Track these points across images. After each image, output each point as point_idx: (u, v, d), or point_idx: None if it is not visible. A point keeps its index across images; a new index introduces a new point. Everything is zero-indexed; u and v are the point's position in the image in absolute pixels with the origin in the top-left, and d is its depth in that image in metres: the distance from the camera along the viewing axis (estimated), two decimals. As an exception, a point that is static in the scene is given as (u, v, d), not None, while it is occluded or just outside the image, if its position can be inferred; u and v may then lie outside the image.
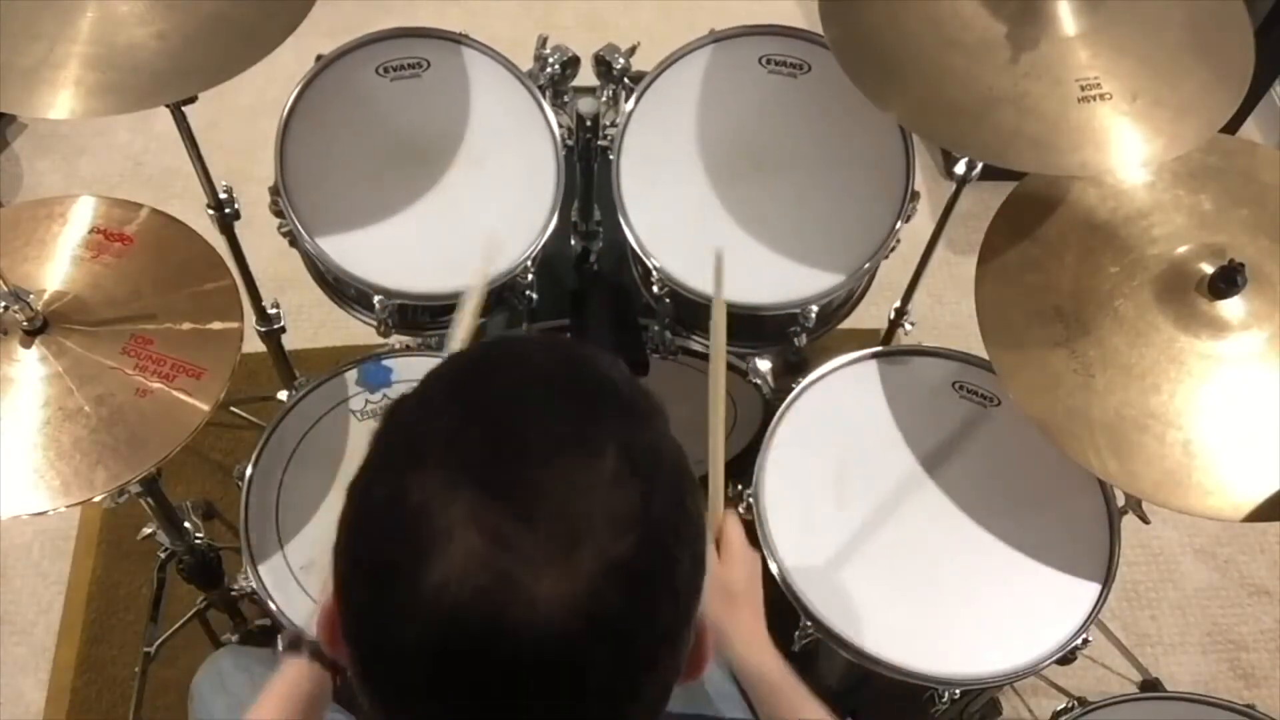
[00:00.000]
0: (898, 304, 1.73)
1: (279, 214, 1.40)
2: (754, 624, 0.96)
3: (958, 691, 1.24)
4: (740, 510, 1.32)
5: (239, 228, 1.56)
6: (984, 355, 1.27)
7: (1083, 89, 1.14)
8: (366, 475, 0.57)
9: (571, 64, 1.51)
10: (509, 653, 0.50)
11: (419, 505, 0.52)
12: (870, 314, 1.69)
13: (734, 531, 0.99)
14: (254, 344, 1.64)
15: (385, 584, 0.53)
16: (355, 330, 1.52)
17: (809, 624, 1.25)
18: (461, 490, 0.51)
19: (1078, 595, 1.27)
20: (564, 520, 0.51)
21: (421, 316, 1.48)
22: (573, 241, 1.59)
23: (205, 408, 1.13)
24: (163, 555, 1.68)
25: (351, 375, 1.41)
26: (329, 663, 0.93)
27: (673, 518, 0.55)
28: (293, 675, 0.92)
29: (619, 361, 0.62)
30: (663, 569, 0.54)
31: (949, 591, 1.28)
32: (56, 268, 1.21)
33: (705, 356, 1.57)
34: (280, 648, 1.05)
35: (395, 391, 1.40)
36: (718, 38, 1.47)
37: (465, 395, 0.57)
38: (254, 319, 1.72)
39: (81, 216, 1.26)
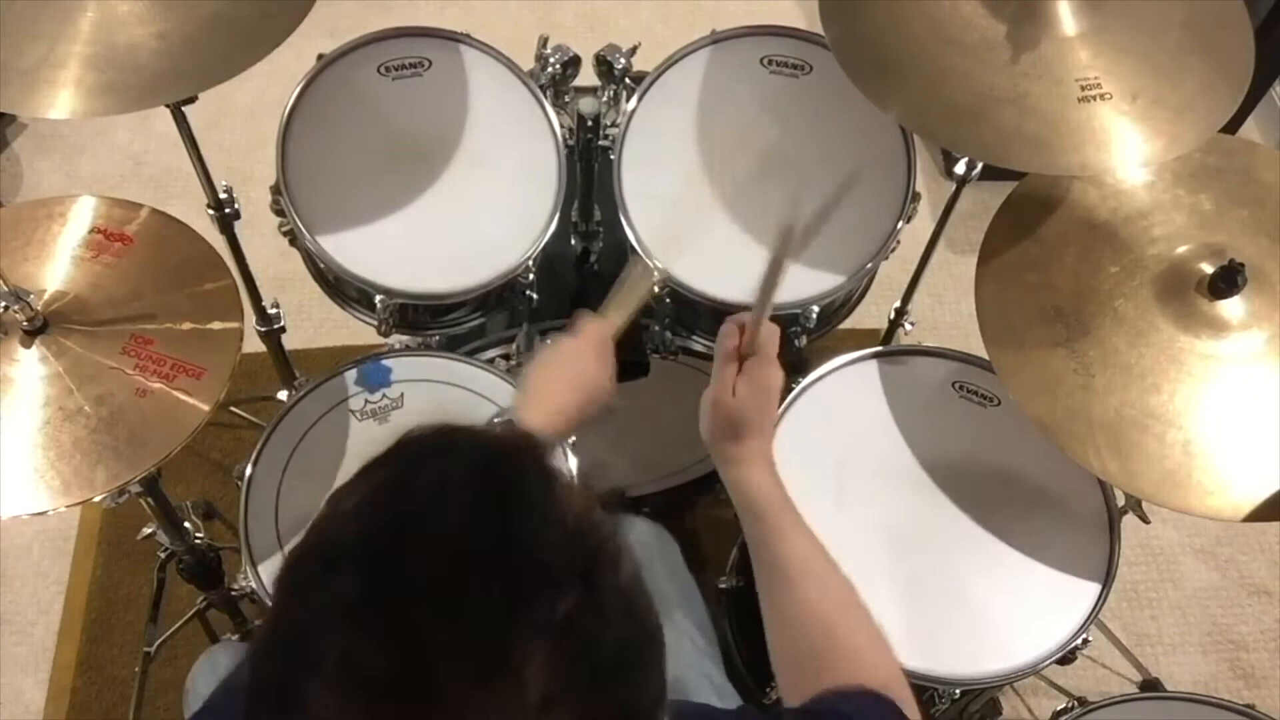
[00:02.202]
0: (898, 304, 1.73)
1: (280, 213, 1.40)
2: (757, 449, 0.92)
3: (958, 691, 1.24)
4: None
5: (239, 227, 1.56)
6: (984, 355, 1.27)
7: (1083, 89, 1.14)
8: (261, 668, 0.49)
9: (572, 64, 1.51)
10: None
11: None
12: (870, 314, 1.69)
13: (765, 349, 0.91)
14: (254, 344, 1.64)
15: None
16: (355, 330, 1.52)
17: (809, 624, 1.25)
18: None
19: (1078, 595, 1.27)
20: None
21: (422, 316, 1.48)
22: (573, 241, 1.59)
23: (205, 408, 1.13)
24: (163, 555, 1.68)
25: (351, 375, 1.40)
26: None
27: None
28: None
29: (559, 483, 0.52)
30: None
31: (949, 591, 1.27)
32: (56, 268, 1.21)
33: (704, 356, 1.57)
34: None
35: (395, 391, 1.40)
36: (718, 38, 1.47)
37: (364, 579, 0.48)
38: (254, 319, 1.72)
39: (81, 216, 1.26)
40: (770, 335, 0.93)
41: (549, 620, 0.47)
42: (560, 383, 1.01)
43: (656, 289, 1.34)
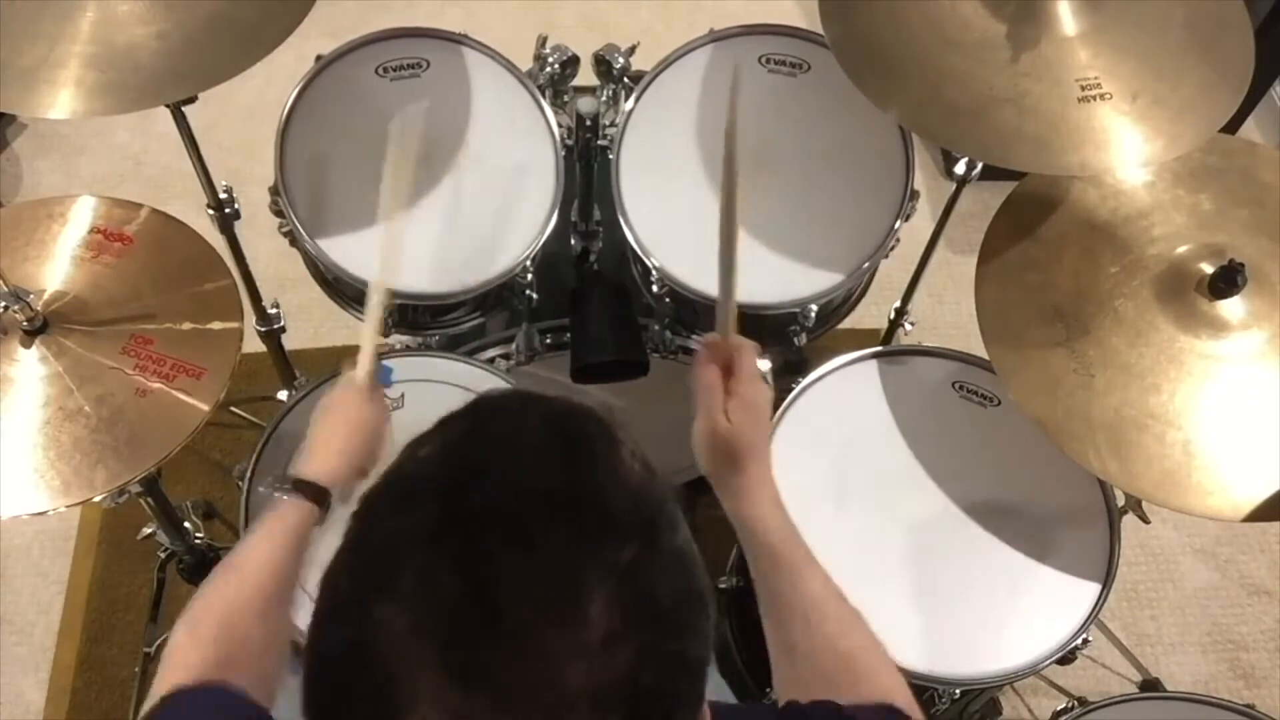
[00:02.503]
0: (898, 304, 1.73)
1: (279, 214, 1.40)
2: (758, 477, 0.88)
3: (958, 691, 1.24)
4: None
5: (239, 228, 1.56)
6: (984, 355, 1.27)
7: (1083, 89, 1.14)
8: (338, 581, 0.52)
9: (571, 64, 1.51)
10: None
11: (383, 661, 0.47)
12: (870, 314, 1.69)
13: (745, 377, 0.87)
14: (254, 344, 1.64)
15: None
16: (355, 330, 1.51)
17: (809, 624, 1.25)
18: (430, 655, 0.47)
19: (1078, 595, 1.27)
20: (544, 706, 0.46)
21: (421, 316, 1.48)
22: (573, 241, 1.58)
23: (205, 408, 1.13)
24: (163, 555, 1.68)
25: (351, 375, 1.40)
26: (313, 493, 0.92)
27: (669, 680, 0.50)
28: (280, 510, 0.90)
29: (625, 449, 0.54)
30: None
31: (949, 591, 1.27)
32: (56, 268, 1.21)
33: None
34: (264, 488, 1.03)
35: (395, 391, 1.40)
36: (717, 37, 1.47)
37: (443, 510, 0.50)
38: (254, 319, 1.72)
39: (81, 216, 1.26)
40: (745, 350, 0.89)
41: (614, 564, 0.49)
42: (336, 431, 0.99)
43: (385, 311, 1.31)
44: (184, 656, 0.79)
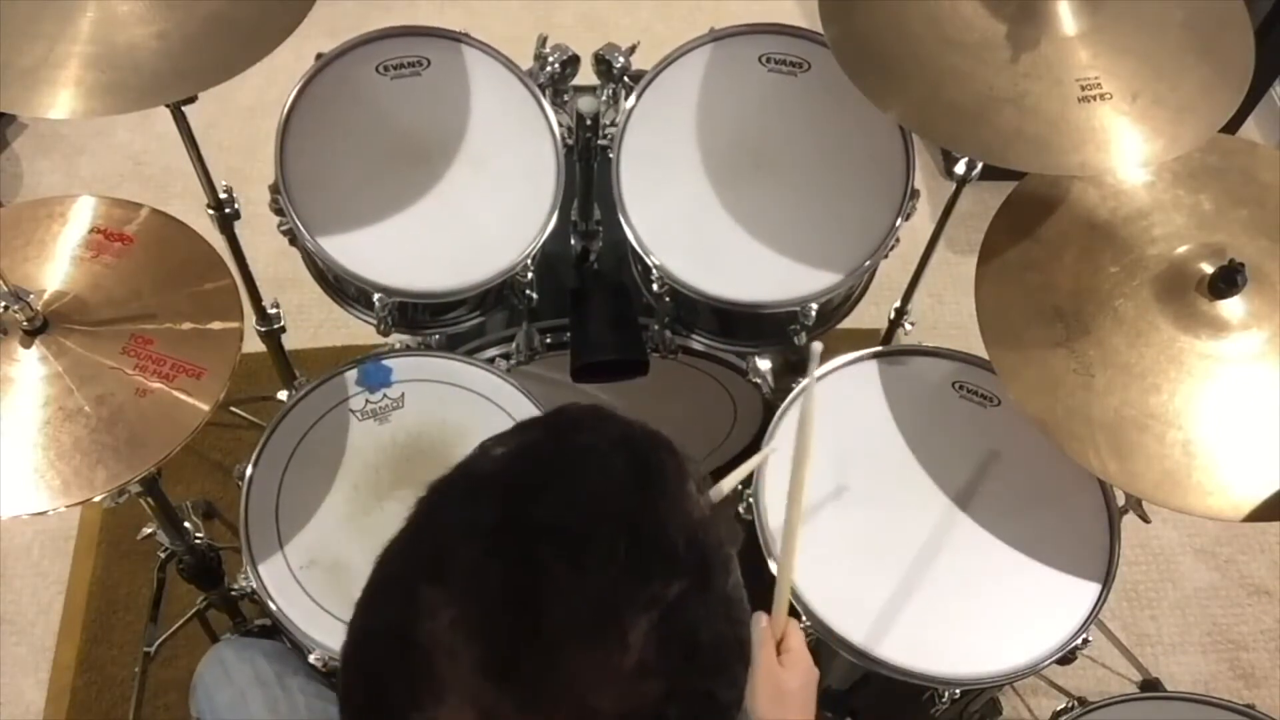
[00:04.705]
0: (898, 304, 1.73)
1: (279, 212, 1.40)
2: None
3: (958, 691, 1.24)
4: (740, 510, 1.32)
5: (239, 227, 1.56)
6: (984, 355, 1.27)
7: (1083, 89, 1.14)
8: (395, 560, 0.53)
9: (571, 63, 1.51)
10: None
11: (425, 642, 0.48)
12: (870, 314, 1.69)
13: (796, 639, 0.95)
14: (254, 344, 1.64)
15: (376, 713, 0.50)
16: (355, 330, 1.52)
17: (809, 624, 1.25)
18: (470, 644, 0.47)
19: (1078, 595, 1.27)
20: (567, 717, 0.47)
21: (421, 315, 1.48)
22: (573, 241, 1.59)
23: (205, 408, 1.13)
24: (163, 555, 1.68)
25: (351, 375, 1.40)
26: None
27: (696, 718, 0.50)
28: None
29: (693, 485, 0.55)
30: None
31: (949, 591, 1.28)
32: (56, 268, 1.21)
33: (704, 355, 1.57)
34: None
35: (395, 391, 1.40)
36: (717, 36, 1.47)
37: (506, 512, 0.51)
38: (254, 319, 1.72)
39: (81, 216, 1.26)
40: (795, 630, 0.95)
41: (660, 598, 0.49)
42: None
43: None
44: None
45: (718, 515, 0.56)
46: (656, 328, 1.53)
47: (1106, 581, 1.28)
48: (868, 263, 1.40)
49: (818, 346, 0.97)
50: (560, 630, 0.48)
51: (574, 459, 0.54)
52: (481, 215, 1.43)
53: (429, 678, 0.48)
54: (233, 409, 1.99)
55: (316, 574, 1.27)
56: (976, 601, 1.27)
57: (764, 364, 1.62)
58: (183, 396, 1.14)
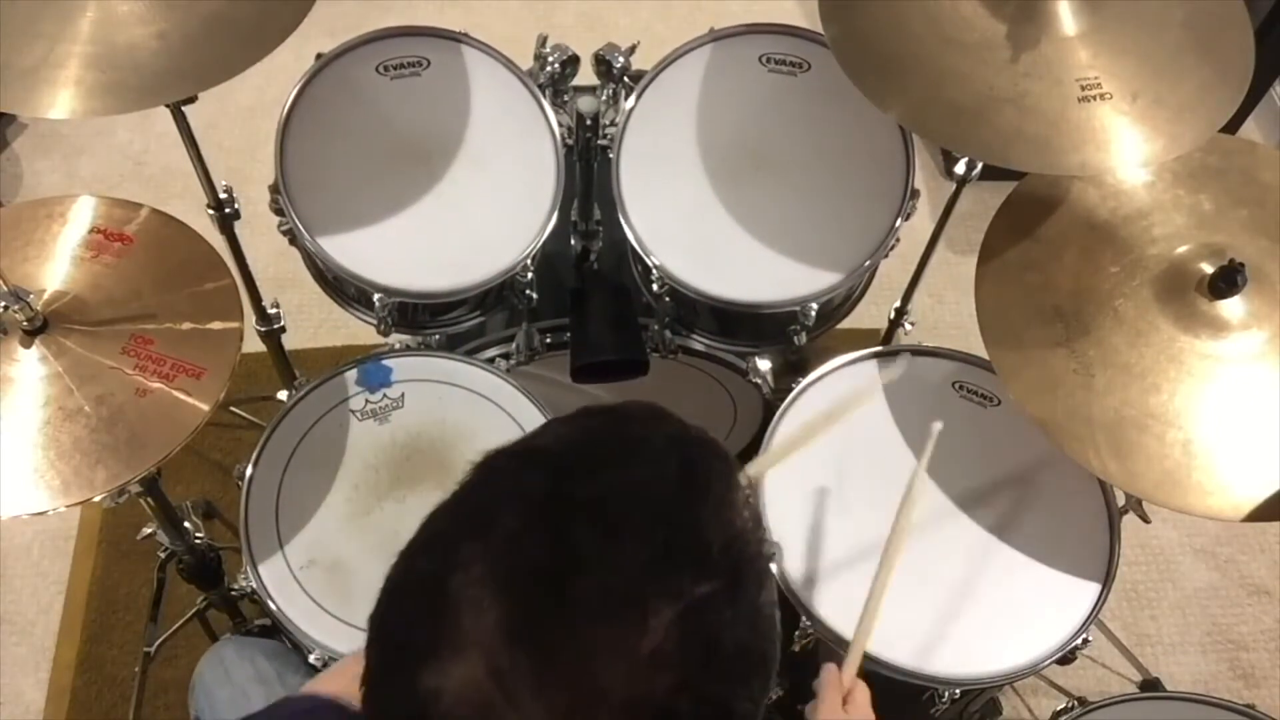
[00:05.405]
0: (898, 304, 1.73)
1: (279, 212, 1.40)
2: None
3: (958, 691, 1.24)
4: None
5: (239, 227, 1.56)
6: (984, 355, 1.27)
7: (1083, 89, 1.14)
8: (439, 519, 0.55)
9: (571, 63, 1.51)
10: None
11: (453, 595, 0.50)
12: (870, 314, 1.69)
13: (861, 695, 0.98)
14: (254, 344, 1.64)
15: (395, 661, 0.52)
16: (355, 330, 1.52)
17: (809, 624, 1.25)
18: (496, 602, 0.49)
19: (1078, 595, 1.27)
20: (574, 689, 0.48)
21: (421, 315, 1.48)
22: (573, 241, 1.59)
23: (205, 408, 1.13)
24: (163, 555, 1.68)
25: (351, 375, 1.41)
26: None
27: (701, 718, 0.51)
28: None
29: (744, 501, 0.56)
30: None
31: (949, 591, 1.27)
32: (56, 268, 1.21)
33: (704, 355, 1.57)
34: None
35: (395, 391, 1.40)
36: (717, 36, 1.47)
37: (552, 487, 0.53)
38: (254, 319, 1.72)
39: (81, 216, 1.26)
40: (861, 689, 0.98)
41: (688, 593, 0.50)
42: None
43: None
44: (340, 673, 0.84)
45: (760, 530, 0.56)
46: (656, 328, 1.53)
47: (1106, 581, 1.28)
48: (867, 263, 1.40)
49: (937, 426, 1.01)
50: (584, 601, 0.49)
51: (628, 449, 0.56)
52: (481, 215, 1.43)
53: (453, 628, 0.49)
54: (233, 409, 1.99)
55: (316, 574, 1.27)
56: (976, 601, 1.27)
57: (764, 364, 1.63)
58: (183, 396, 1.14)
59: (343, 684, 0.94)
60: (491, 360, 1.50)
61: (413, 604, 0.53)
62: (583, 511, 0.52)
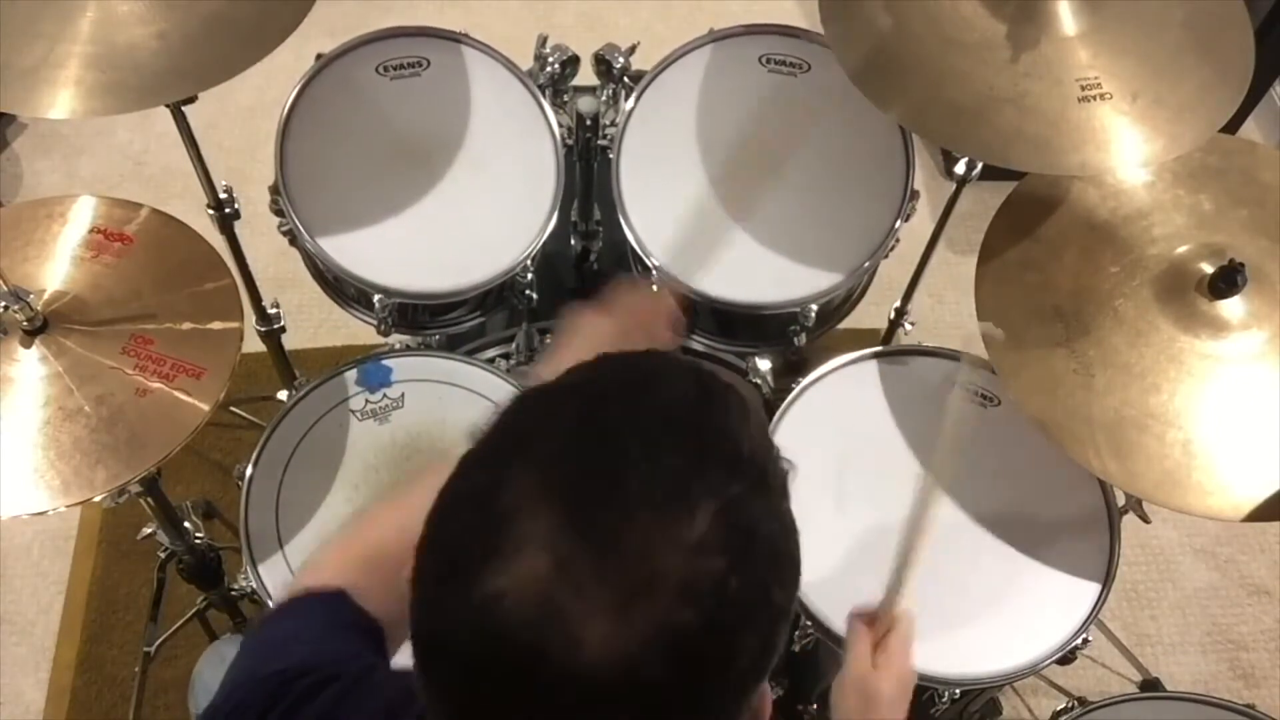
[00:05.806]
0: (898, 304, 1.73)
1: (279, 213, 1.41)
2: None
3: (958, 691, 1.24)
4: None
5: (239, 228, 1.56)
6: (984, 355, 1.27)
7: (1083, 89, 1.14)
8: (478, 451, 0.57)
9: (571, 63, 1.51)
10: (542, 687, 0.49)
11: (507, 505, 0.52)
12: (870, 314, 1.69)
13: (898, 641, 0.97)
14: (254, 344, 1.64)
15: (451, 572, 0.53)
16: (355, 330, 1.52)
17: (809, 624, 1.25)
18: (550, 505, 0.51)
19: (1078, 595, 1.27)
20: (634, 573, 0.50)
21: (421, 315, 1.48)
22: (573, 241, 1.59)
23: (205, 408, 1.13)
24: (163, 555, 1.68)
25: (351, 375, 1.40)
26: None
27: (749, 602, 0.53)
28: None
29: (759, 420, 0.60)
30: (721, 652, 0.52)
31: (949, 591, 1.27)
32: (56, 268, 1.21)
33: (704, 355, 1.57)
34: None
35: (395, 391, 1.40)
36: (717, 37, 1.47)
37: (588, 409, 0.57)
38: (254, 319, 1.72)
39: (81, 216, 1.26)
40: (905, 622, 0.98)
41: (725, 489, 0.54)
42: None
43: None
44: (327, 568, 0.84)
45: (774, 448, 0.60)
46: (656, 328, 1.53)
47: (1106, 581, 1.28)
48: (867, 263, 1.40)
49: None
50: (635, 496, 0.51)
51: (646, 377, 0.60)
52: (481, 216, 1.43)
53: (509, 535, 0.51)
54: (233, 409, 1.99)
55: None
56: (976, 601, 1.27)
57: (764, 364, 1.63)
58: (183, 396, 1.14)
59: (336, 569, 0.92)
60: (491, 360, 1.50)
61: (467, 513, 0.54)
62: (618, 428, 0.55)
